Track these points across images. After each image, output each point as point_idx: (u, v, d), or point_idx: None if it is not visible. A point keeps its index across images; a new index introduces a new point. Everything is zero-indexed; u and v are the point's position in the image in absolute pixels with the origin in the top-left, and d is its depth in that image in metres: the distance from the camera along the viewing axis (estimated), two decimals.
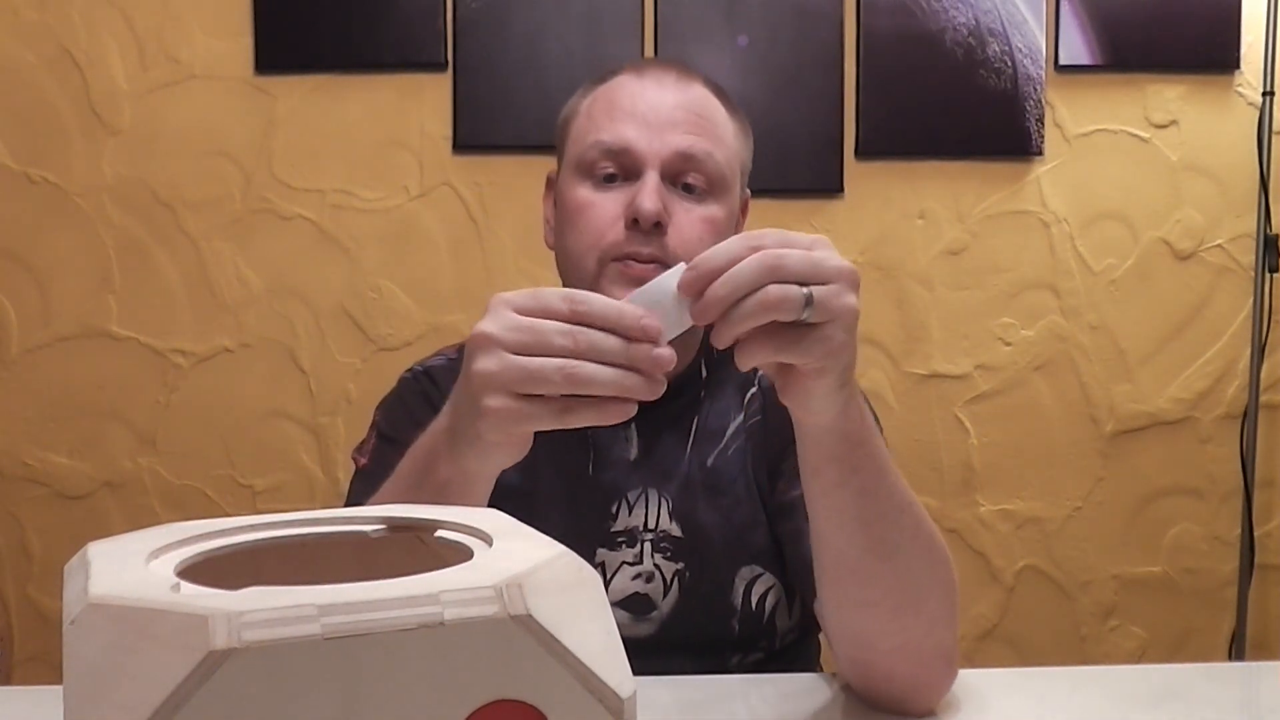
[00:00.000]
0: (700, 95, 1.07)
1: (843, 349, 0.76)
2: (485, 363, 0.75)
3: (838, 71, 2.22)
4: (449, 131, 2.23)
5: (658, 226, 1.01)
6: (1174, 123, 2.27)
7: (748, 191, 1.14)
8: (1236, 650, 2.27)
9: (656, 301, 0.75)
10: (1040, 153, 2.25)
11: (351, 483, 1.11)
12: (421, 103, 2.23)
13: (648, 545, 1.07)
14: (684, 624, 1.06)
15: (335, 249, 2.24)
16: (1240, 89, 2.27)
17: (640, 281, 0.89)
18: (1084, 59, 2.24)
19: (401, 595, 0.43)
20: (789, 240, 0.75)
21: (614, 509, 1.08)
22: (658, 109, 1.04)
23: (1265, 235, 2.24)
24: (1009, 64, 2.22)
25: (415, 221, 2.24)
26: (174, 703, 0.39)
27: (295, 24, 2.21)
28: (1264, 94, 2.22)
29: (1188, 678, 1.01)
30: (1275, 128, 2.24)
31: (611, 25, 2.20)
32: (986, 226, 2.28)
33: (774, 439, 1.08)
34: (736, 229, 1.12)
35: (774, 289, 0.72)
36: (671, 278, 0.75)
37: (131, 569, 0.48)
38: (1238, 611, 2.27)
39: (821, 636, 1.15)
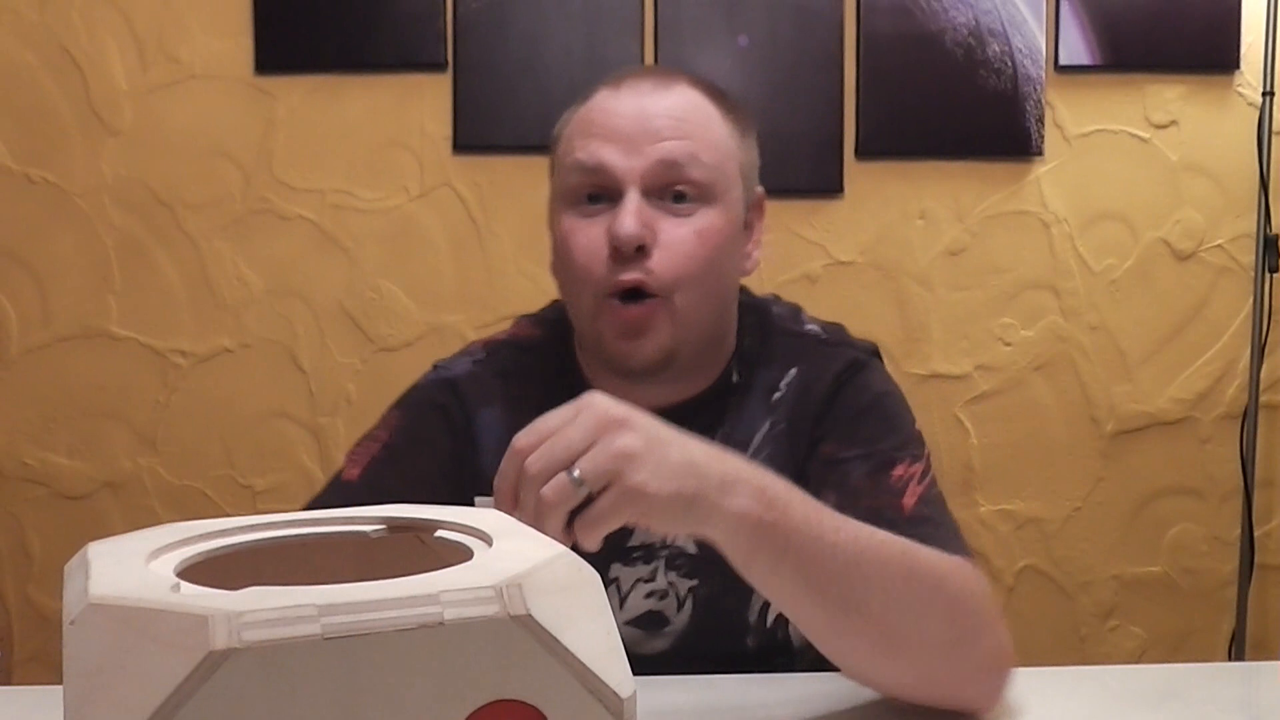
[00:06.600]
0: (683, 97, 1.03)
1: (645, 489, 0.75)
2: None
3: (838, 71, 2.22)
4: (449, 131, 2.23)
5: (641, 250, 0.98)
6: (1174, 123, 2.27)
7: (760, 189, 1.10)
8: (1236, 650, 2.27)
9: None
10: (1040, 153, 2.25)
11: (328, 487, 1.05)
12: (421, 103, 2.23)
13: (662, 562, 1.05)
14: (698, 641, 1.05)
15: (335, 249, 2.24)
16: (1240, 89, 2.27)
17: (633, 332, 0.98)
18: (1084, 59, 2.24)
19: (401, 595, 0.43)
20: (539, 430, 0.77)
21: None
22: (634, 120, 1.01)
23: (1265, 235, 2.24)
24: (1009, 64, 2.22)
25: (415, 221, 2.24)
26: (174, 703, 0.39)
27: (295, 24, 2.21)
28: (1264, 94, 2.22)
29: (1188, 678, 1.01)
30: (1275, 128, 2.24)
31: (611, 25, 2.20)
32: (986, 226, 2.28)
33: (799, 441, 1.06)
34: (750, 230, 1.08)
35: (547, 491, 0.74)
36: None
37: (131, 569, 0.48)
38: (1238, 611, 2.27)
39: None
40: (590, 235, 1.01)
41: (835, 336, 1.11)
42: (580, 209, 1.02)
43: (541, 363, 1.09)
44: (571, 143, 1.04)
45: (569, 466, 0.74)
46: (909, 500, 0.97)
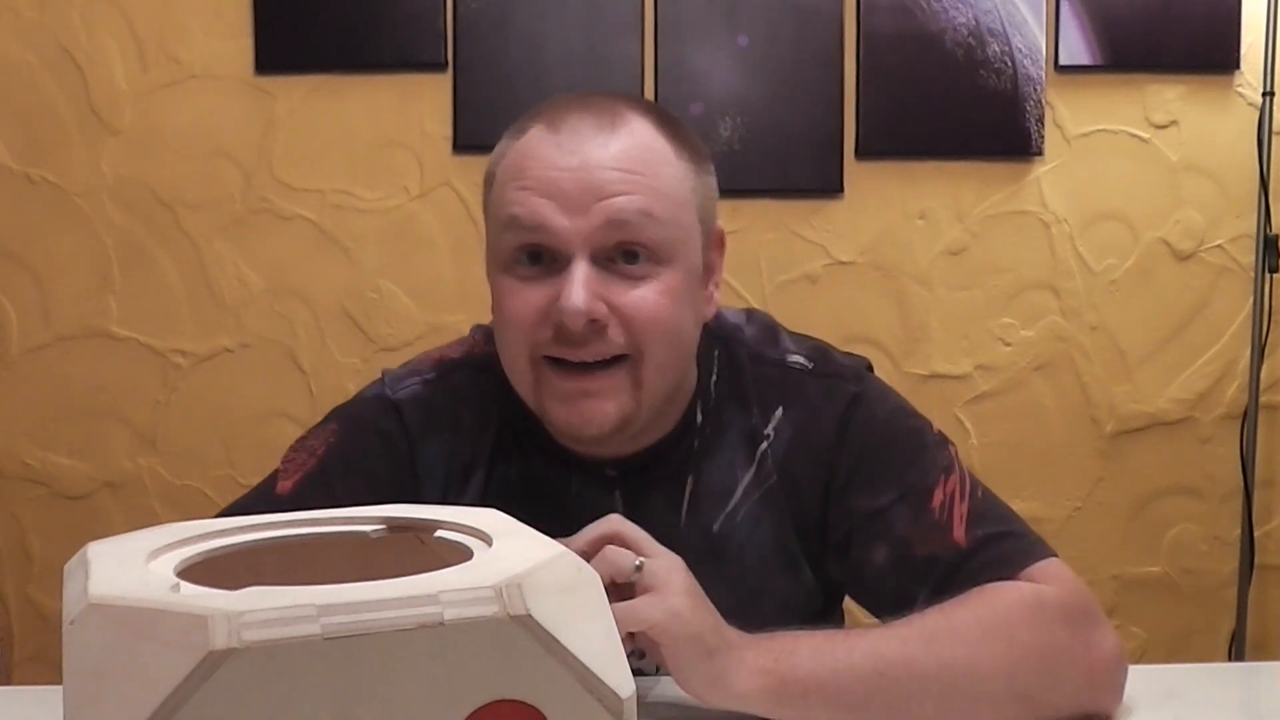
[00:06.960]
0: (631, 139, 0.91)
1: (679, 612, 0.79)
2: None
3: (838, 71, 2.22)
4: (449, 131, 2.23)
5: (594, 323, 0.88)
6: (1174, 123, 2.27)
7: (719, 225, 0.99)
8: (1236, 650, 2.27)
9: None
10: (1040, 153, 2.25)
11: (259, 491, 0.98)
12: (421, 103, 2.23)
13: None
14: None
15: (335, 249, 2.24)
16: (1240, 89, 2.27)
17: (583, 395, 0.90)
18: (1084, 59, 2.24)
19: (401, 595, 0.43)
20: (636, 526, 0.84)
21: None
22: (576, 174, 0.88)
23: (1265, 235, 2.24)
24: (1009, 64, 2.22)
25: (415, 221, 2.24)
26: (174, 703, 0.39)
27: (295, 24, 2.21)
28: (1264, 94, 2.21)
29: (1188, 678, 1.01)
30: (1275, 128, 2.23)
31: (611, 25, 2.20)
32: (986, 227, 2.27)
33: (803, 496, 0.98)
34: (710, 269, 0.98)
35: (609, 551, 0.81)
36: None
37: (131, 569, 0.48)
38: (1238, 611, 2.27)
39: None
40: (531, 299, 0.90)
41: (822, 366, 1.00)
42: (517, 271, 0.92)
43: (494, 386, 1.00)
44: (505, 192, 0.93)
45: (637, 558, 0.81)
46: (959, 531, 0.93)
